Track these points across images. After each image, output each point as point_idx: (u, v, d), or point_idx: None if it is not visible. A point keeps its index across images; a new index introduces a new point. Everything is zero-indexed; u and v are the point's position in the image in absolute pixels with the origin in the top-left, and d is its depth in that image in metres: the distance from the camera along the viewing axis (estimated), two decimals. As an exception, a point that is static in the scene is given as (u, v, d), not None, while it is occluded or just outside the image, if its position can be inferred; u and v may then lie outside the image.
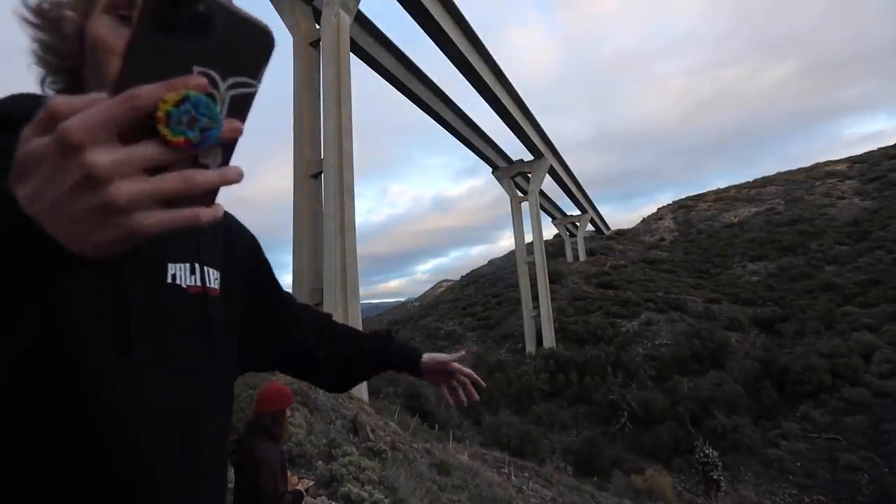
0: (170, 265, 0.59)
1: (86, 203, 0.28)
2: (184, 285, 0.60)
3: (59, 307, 0.47)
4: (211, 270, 0.64)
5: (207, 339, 0.61)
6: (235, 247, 0.73)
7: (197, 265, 0.62)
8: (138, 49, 0.29)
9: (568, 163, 38.14)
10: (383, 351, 0.93)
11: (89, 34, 0.52)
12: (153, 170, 0.29)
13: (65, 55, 0.55)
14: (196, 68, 0.30)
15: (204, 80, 0.29)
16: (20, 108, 0.49)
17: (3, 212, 0.29)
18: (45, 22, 0.53)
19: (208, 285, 0.63)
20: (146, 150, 0.29)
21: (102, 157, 0.28)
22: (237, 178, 0.32)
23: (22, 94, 0.55)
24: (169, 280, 0.58)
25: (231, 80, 0.31)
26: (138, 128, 0.28)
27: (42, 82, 0.57)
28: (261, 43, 0.32)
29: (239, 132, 0.32)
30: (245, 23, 0.31)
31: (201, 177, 0.30)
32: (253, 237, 0.81)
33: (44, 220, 0.29)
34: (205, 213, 0.31)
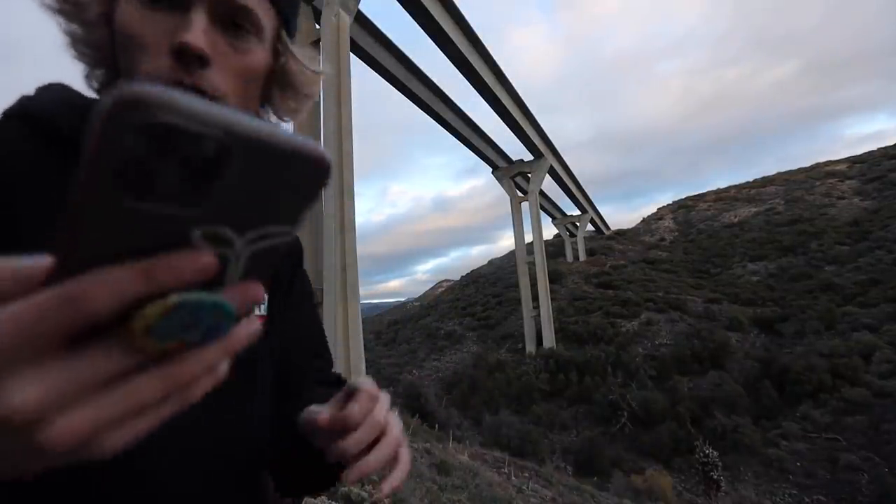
0: None
1: (8, 445, 0.19)
2: None
3: None
4: None
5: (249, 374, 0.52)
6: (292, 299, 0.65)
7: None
8: (91, 209, 0.17)
9: (569, 163, 38.17)
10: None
11: (115, 20, 0.43)
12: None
13: (96, 46, 0.46)
14: (196, 229, 0.19)
15: (211, 261, 0.19)
16: (47, 109, 0.46)
17: None
18: (66, 7, 0.44)
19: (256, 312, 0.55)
20: (103, 362, 0.19)
21: (27, 390, 0.17)
22: (249, 337, 0.22)
23: (53, 85, 0.49)
24: None
25: (256, 233, 0.20)
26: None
27: (86, 78, 0.50)
28: (309, 177, 0.20)
29: (259, 299, 0.22)
30: (278, 148, 0.19)
31: (190, 368, 0.20)
32: (299, 248, 0.69)
33: None
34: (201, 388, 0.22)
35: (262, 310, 0.56)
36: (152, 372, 0.19)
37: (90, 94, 0.50)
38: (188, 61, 0.40)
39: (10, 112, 0.46)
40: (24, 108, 0.46)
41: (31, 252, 0.20)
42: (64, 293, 0.17)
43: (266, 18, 0.47)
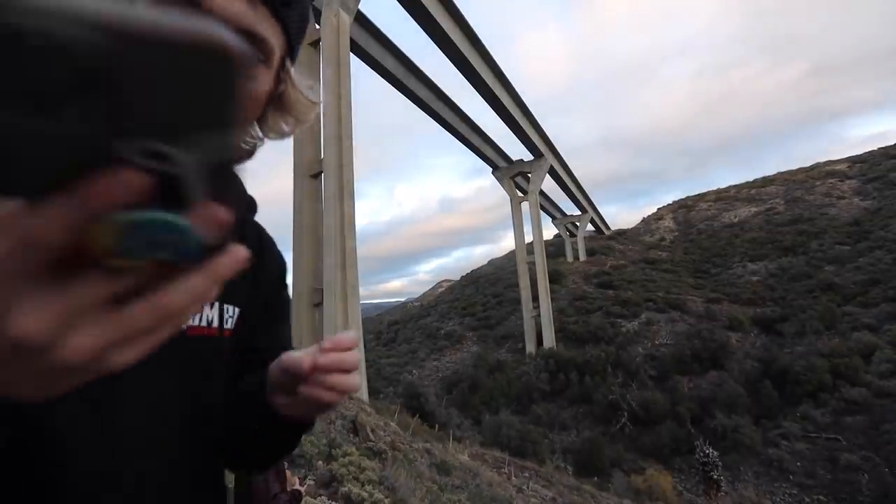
0: None
1: (28, 369, 0.21)
2: (183, 325, 0.46)
3: None
4: (227, 307, 0.56)
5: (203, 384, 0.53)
6: (263, 275, 0.63)
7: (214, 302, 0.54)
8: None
9: (577, 164, 38.44)
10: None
11: None
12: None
13: None
14: (118, 143, 0.18)
15: (136, 177, 0.18)
16: None
17: None
18: None
19: (224, 326, 0.55)
20: (95, 288, 0.20)
21: (31, 315, 0.19)
22: (235, 265, 0.23)
23: None
24: None
25: (189, 143, 0.19)
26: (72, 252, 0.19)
27: None
28: (220, 68, 0.19)
29: (224, 220, 0.21)
30: (177, 45, 0.17)
31: (179, 296, 0.22)
32: (281, 262, 0.68)
33: None
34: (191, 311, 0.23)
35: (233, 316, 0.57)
36: (144, 297, 0.21)
37: None
38: None
39: None
40: None
41: None
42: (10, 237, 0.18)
43: (276, 47, 0.48)
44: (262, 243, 0.65)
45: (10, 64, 0.14)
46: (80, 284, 0.20)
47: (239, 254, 0.23)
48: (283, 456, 0.62)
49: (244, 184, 0.58)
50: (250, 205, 0.63)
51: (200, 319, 0.53)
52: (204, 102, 0.19)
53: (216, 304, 0.55)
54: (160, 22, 0.16)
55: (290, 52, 0.52)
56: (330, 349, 0.45)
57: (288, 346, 0.65)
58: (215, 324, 0.54)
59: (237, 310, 0.57)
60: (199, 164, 0.19)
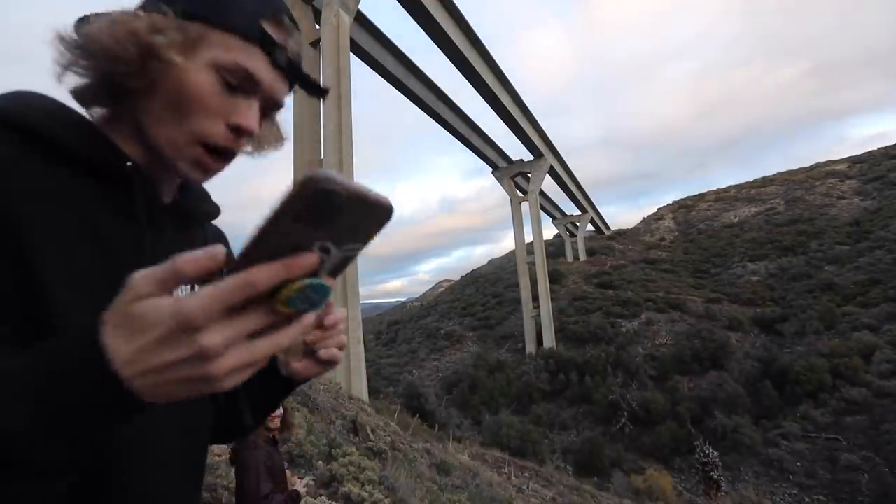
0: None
1: (186, 373, 0.31)
2: None
3: None
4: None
5: None
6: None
7: (191, 288, 0.59)
8: (268, 232, 0.30)
9: (577, 164, 38.49)
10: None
11: (183, 78, 0.49)
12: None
13: (119, 82, 0.50)
14: (316, 243, 0.32)
15: (317, 259, 0.32)
16: (31, 115, 0.47)
17: (92, 370, 0.32)
18: (112, 30, 0.49)
19: None
20: (254, 322, 0.32)
21: (216, 337, 0.30)
22: (308, 328, 0.35)
23: (27, 93, 0.50)
24: None
25: (345, 247, 0.34)
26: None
27: (76, 92, 0.52)
28: (380, 216, 0.33)
29: (332, 289, 0.35)
30: (368, 201, 0.32)
31: (287, 337, 0.33)
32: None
33: (134, 380, 0.31)
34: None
35: None
36: (268, 338, 0.32)
37: (55, 98, 0.51)
38: (240, 135, 0.53)
39: None
40: (9, 117, 0.46)
41: (48, 261, 0.43)
42: (247, 279, 0.30)
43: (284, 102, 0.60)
44: (227, 245, 0.72)
45: (325, 209, 0.30)
46: (250, 319, 0.31)
47: (341, 313, 0.38)
48: (267, 414, 0.70)
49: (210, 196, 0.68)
50: (216, 212, 0.70)
51: None
52: (364, 230, 0.33)
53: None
54: (369, 191, 0.31)
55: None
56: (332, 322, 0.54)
57: None
58: None
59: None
60: (343, 257, 0.34)
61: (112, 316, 0.32)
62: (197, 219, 0.63)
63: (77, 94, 0.52)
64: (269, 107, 0.56)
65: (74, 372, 0.32)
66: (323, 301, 0.33)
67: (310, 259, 0.31)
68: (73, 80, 0.51)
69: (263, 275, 0.30)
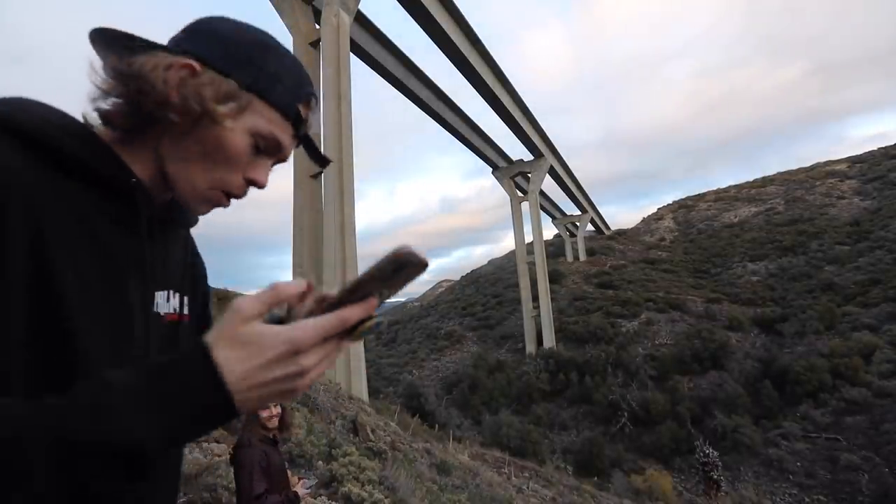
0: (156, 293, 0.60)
1: (283, 387, 0.41)
2: (162, 312, 0.60)
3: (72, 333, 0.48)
4: (184, 297, 0.66)
5: None
6: (200, 271, 0.74)
7: (173, 292, 0.63)
8: (360, 286, 0.42)
9: (577, 163, 38.52)
10: None
11: (225, 136, 0.54)
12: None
13: (169, 116, 0.53)
14: (382, 291, 0.43)
15: (377, 303, 0.43)
16: (35, 123, 0.49)
17: (207, 387, 0.39)
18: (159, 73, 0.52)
19: (183, 312, 0.65)
20: (335, 346, 0.43)
21: (312, 359, 0.41)
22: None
23: (28, 100, 0.51)
24: (155, 309, 0.59)
25: (393, 293, 0.44)
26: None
27: (103, 113, 0.54)
28: (420, 272, 0.43)
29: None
30: (420, 265, 0.41)
31: (339, 353, 0.45)
32: (203, 264, 0.79)
33: (241, 394, 0.39)
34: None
35: (184, 308, 0.66)
36: (334, 351, 0.43)
37: (56, 107, 0.53)
38: (252, 187, 0.60)
39: None
40: (12, 123, 0.48)
41: (64, 276, 0.46)
42: (342, 316, 0.41)
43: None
44: (192, 242, 0.75)
45: (397, 273, 0.42)
46: (333, 344, 0.42)
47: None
48: None
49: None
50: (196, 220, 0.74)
51: (170, 307, 0.62)
52: (408, 281, 0.43)
53: (177, 294, 0.64)
54: (422, 256, 0.40)
55: None
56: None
57: None
58: (178, 310, 0.63)
59: (187, 298, 0.67)
60: (387, 299, 0.45)
61: (222, 337, 0.40)
62: (183, 227, 0.68)
63: (103, 113, 0.54)
64: (277, 162, 0.64)
65: (192, 389, 0.38)
66: (371, 332, 0.44)
67: (375, 303, 0.42)
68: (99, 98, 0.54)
69: (353, 316, 0.41)
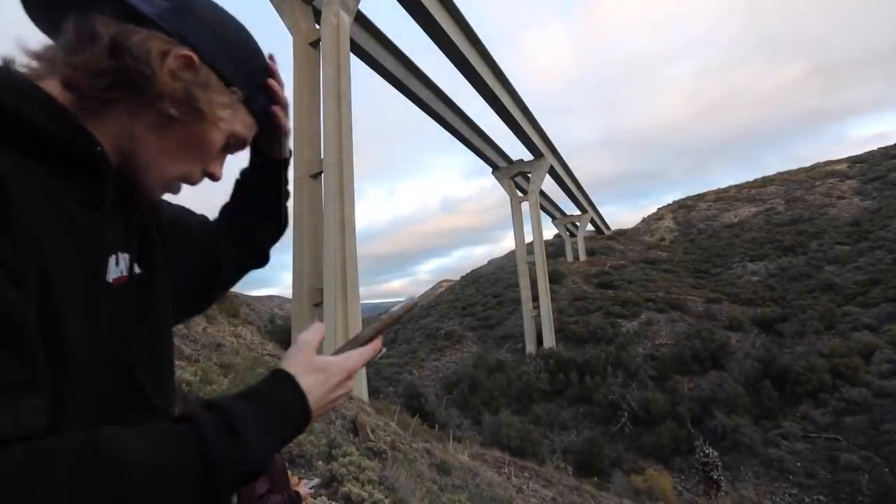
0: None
1: (336, 402, 0.55)
2: (111, 279, 0.56)
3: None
4: (133, 253, 0.62)
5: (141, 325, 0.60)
6: (150, 220, 0.68)
7: (121, 253, 0.60)
8: (383, 329, 0.61)
9: (577, 163, 38.54)
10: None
11: (209, 132, 0.56)
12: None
13: (162, 102, 0.51)
14: (387, 331, 0.62)
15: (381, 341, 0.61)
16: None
17: (302, 411, 0.50)
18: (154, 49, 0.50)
19: (133, 270, 0.61)
20: (365, 363, 0.60)
21: (354, 380, 0.57)
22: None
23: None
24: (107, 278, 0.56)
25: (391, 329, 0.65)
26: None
27: (67, 58, 0.49)
28: (410, 309, 0.68)
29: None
30: (411, 310, 0.68)
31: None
32: (167, 203, 0.75)
33: (315, 413, 0.52)
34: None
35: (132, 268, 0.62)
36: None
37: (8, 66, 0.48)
38: (208, 179, 0.62)
39: None
40: None
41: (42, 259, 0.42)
42: (374, 348, 0.60)
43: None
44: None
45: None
46: (363, 362, 0.59)
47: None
48: (278, 209, 0.81)
49: None
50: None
51: (118, 271, 0.58)
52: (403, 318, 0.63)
53: (124, 256, 0.59)
54: (400, 310, 0.70)
55: None
56: None
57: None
58: (125, 273, 0.59)
59: (131, 255, 0.63)
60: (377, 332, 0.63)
61: (301, 366, 0.52)
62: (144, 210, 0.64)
63: (70, 77, 0.49)
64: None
65: (292, 416, 0.50)
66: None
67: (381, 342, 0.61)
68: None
69: (377, 348, 0.59)
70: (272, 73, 0.64)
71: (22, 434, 0.35)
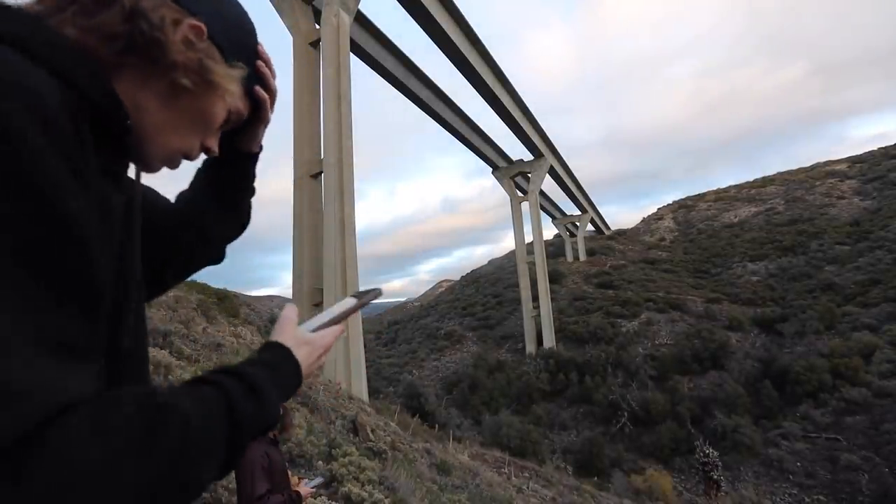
0: None
1: (315, 370, 0.67)
2: None
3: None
4: None
5: None
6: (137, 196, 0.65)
7: None
8: (349, 315, 0.69)
9: (578, 163, 38.63)
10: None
11: (214, 104, 0.57)
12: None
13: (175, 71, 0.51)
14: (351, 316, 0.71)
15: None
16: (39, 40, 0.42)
17: (297, 378, 0.60)
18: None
19: None
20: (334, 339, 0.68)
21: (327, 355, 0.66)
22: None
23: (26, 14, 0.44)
24: None
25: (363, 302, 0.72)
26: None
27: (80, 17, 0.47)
28: (377, 294, 0.74)
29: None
30: (375, 297, 0.72)
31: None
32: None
33: (304, 377, 0.61)
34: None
35: None
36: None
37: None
38: (205, 153, 0.62)
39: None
40: (26, 43, 0.41)
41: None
42: (339, 331, 0.67)
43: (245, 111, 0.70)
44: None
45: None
46: (333, 338, 0.67)
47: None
48: (244, 201, 0.80)
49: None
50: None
51: None
52: (372, 296, 0.73)
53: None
54: (377, 292, 0.75)
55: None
56: None
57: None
58: None
59: None
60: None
61: (293, 339, 0.60)
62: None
63: (82, 40, 0.47)
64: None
65: (293, 379, 0.59)
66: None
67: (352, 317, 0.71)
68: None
69: (343, 329, 0.67)
70: (264, 60, 0.63)
71: (87, 397, 0.38)
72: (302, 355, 0.59)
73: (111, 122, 0.46)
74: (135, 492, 0.37)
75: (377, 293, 0.73)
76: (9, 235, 0.34)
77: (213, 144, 0.61)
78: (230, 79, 0.56)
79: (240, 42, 0.58)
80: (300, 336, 0.61)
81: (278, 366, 0.57)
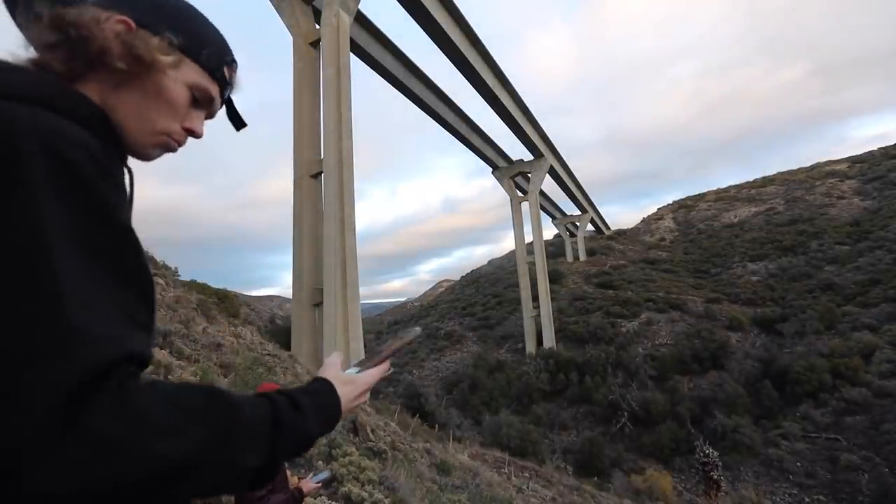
0: None
1: (357, 407, 0.78)
2: None
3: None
4: None
5: None
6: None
7: None
8: (395, 354, 0.77)
9: (580, 163, 38.83)
10: None
11: (167, 86, 0.60)
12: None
13: (114, 66, 0.56)
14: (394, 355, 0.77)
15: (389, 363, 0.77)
16: (60, 99, 0.51)
17: (338, 410, 0.66)
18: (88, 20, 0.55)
19: None
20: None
21: (369, 393, 0.73)
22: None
23: (42, 79, 0.52)
24: None
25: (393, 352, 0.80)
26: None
27: (45, 64, 0.55)
28: (415, 338, 0.84)
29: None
30: (417, 339, 0.84)
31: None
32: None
33: (344, 411, 0.67)
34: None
35: None
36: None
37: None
38: (190, 137, 0.67)
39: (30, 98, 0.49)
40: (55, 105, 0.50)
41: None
42: (385, 368, 0.78)
43: (216, 97, 0.73)
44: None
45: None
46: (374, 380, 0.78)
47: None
48: None
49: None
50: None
51: None
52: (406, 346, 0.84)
53: None
54: (412, 337, 0.85)
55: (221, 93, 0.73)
56: None
57: None
58: None
59: None
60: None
61: (336, 378, 0.68)
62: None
63: (40, 62, 0.55)
64: (208, 117, 0.71)
65: (333, 410, 0.65)
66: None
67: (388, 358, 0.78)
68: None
69: (387, 368, 0.76)
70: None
71: (149, 357, 0.48)
72: (343, 392, 0.67)
73: (112, 135, 0.55)
74: (185, 454, 0.43)
75: (417, 333, 0.82)
76: (86, 239, 0.45)
77: (195, 125, 0.65)
78: (160, 51, 0.58)
79: (177, 20, 0.61)
80: (342, 376, 0.69)
81: (321, 395, 0.65)
